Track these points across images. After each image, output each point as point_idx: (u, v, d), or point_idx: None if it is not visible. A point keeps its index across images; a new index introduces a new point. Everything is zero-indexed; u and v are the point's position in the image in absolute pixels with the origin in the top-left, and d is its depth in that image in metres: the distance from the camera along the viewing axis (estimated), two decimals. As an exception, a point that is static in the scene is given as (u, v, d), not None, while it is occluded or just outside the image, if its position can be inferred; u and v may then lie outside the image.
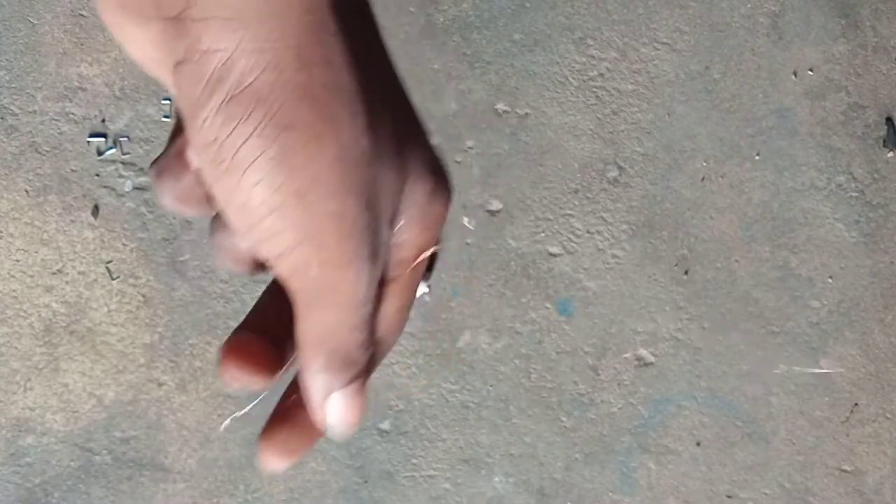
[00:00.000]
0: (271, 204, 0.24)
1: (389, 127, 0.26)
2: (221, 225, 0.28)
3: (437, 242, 0.29)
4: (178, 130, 0.27)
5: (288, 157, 0.24)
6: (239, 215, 0.25)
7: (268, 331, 0.29)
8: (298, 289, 0.26)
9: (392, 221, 0.27)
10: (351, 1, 0.27)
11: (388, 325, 0.29)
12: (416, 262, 0.29)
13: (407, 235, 0.28)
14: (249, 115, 0.23)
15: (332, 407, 0.28)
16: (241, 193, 0.24)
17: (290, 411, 0.30)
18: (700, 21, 1.11)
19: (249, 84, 0.23)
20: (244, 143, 0.24)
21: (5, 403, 1.05)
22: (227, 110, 0.23)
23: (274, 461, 0.30)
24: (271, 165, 0.24)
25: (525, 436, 1.10)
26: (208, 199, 0.27)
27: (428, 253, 0.29)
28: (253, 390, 0.30)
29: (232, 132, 0.24)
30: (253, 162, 0.24)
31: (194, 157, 0.26)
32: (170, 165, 0.27)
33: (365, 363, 0.28)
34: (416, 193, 0.27)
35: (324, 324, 0.27)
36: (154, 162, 0.27)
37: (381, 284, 0.28)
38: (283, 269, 0.26)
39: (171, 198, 0.27)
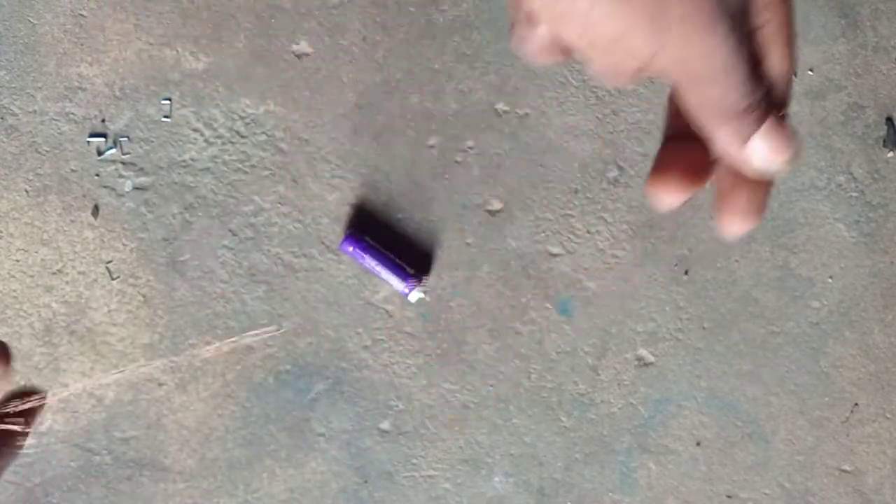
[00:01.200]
0: (623, 23, 0.27)
1: None
2: (526, 21, 0.31)
3: None
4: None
5: None
6: (585, 42, 0.28)
7: (685, 137, 0.33)
8: (674, 79, 0.29)
9: None
10: None
11: (780, 60, 0.31)
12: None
13: None
14: None
15: (757, 151, 0.31)
16: (591, 22, 0.28)
17: (732, 182, 0.33)
18: (700, 21, 1.11)
19: None
20: None
21: (5, 403, 1.05)
22: None
23: (736, 223, 0.33)
24: None
25: (525, 436, 1.10)
26: (560, 48, 0.31)
27: None
28: (686, 197, 0.33)
29: None
30: None
31: (538, 12, 0.29)
32: (522, 27, 0.31)
33: (765, 105, 0.30)
34: None
35: (711, 96, 0.29)
36: (511, 33, 0.31)
37: (753, 35, 0.31)
38: (653, 71, 0.29)
39: (533, 52, 0.31)
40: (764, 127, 0.31)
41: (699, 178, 0.33)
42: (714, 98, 0.30)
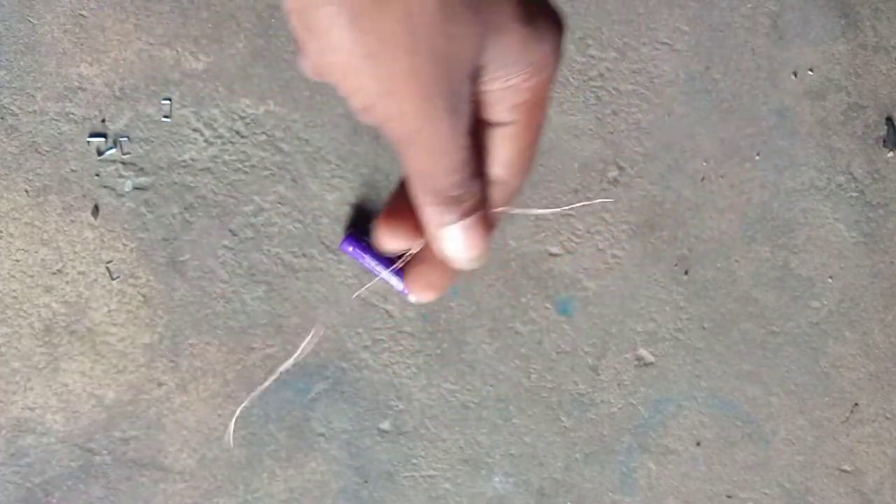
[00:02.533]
0: (350, 65, 0.27)
1: None
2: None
3: (548, 82, 0.30)
4: None
5: (357, 20, 0.26)
6: (328, 71, 0.28)
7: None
8: (390, 136, 0.29)
9: (475, 74, 0.28)
10: None
11: (510, 166, 0.32)
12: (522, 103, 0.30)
13: (512, 82, 0.29)
14: None
15: (449, 239, 0.31)
16: (327, 54, 0.27)
17: (426, 253, 0.33)
18: (700, 21, 1.11)
19: None
20: (319, 10, 0.26)
21: (5, 403, 1.05)
22: None
23: (419, 293, 0.34)
24: (343, 31, 0.26)
25: (525, 436, 1.10)
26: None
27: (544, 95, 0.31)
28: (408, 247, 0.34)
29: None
30: (330, 27, 0.26)
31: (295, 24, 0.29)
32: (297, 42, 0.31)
33: (473, 200, 0.30)
34: (503, 45, 0.28)
35: (420, 166, 0.29)
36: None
37: (483, 129, 0.31)
38: (372, 120, 0.28)
39: (304, 67, 0.30)
40: (465, 222, 0.30)
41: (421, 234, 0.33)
42: (423, 172, 0.29)
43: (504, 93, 0.30)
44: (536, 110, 0.31)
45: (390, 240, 0.33)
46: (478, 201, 0.31)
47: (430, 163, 0.29)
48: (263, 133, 1.07)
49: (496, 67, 0.29)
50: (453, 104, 0.28)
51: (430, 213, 0.30)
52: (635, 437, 1.11)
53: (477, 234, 0.31)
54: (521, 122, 0.31)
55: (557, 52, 0.30)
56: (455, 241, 0.31)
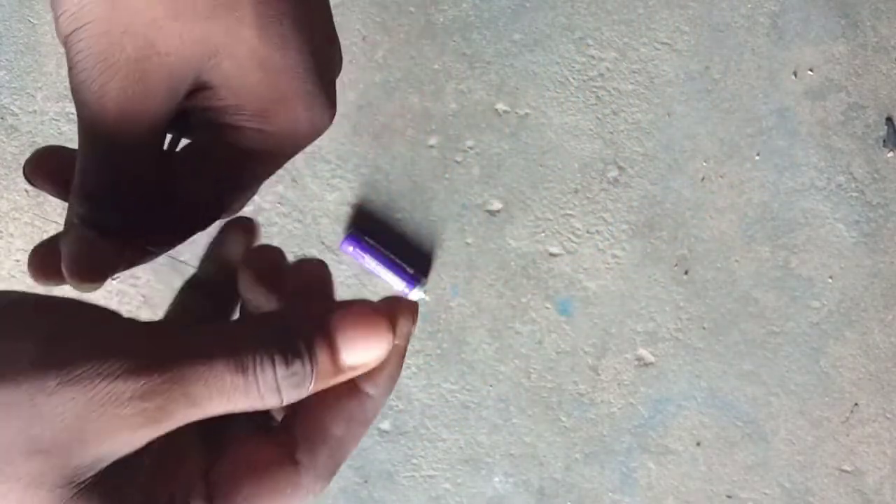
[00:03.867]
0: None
1: None
2: None
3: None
4: None
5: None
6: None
7: None
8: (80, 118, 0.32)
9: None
10: None
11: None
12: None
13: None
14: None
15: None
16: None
17: None
18: (700, 21, 1.11)
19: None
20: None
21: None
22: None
23: None
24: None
25: (525, 436, 1.10)
26: None
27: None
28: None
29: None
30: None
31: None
32: None
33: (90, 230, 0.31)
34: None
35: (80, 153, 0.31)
36: None
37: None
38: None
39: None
40: (81, 236, 0.31)
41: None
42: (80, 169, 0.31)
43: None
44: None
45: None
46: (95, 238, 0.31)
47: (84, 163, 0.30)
48: (263, 133, 1.07)
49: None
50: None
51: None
52: (635, 437, 1.11)
53: (85, 255, 0.31)
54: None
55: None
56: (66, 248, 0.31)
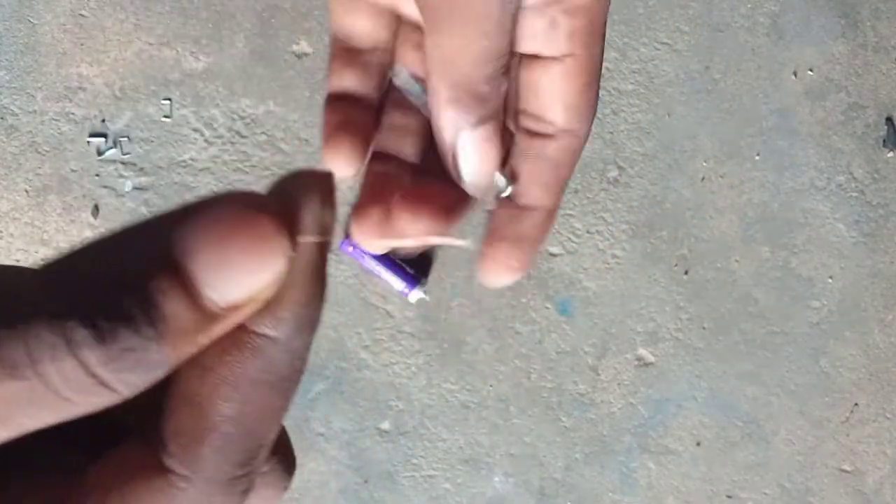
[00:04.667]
0: None
1: None
2: None
3: (608, 4, 0.28)
4: None
5: None
6: None
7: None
8: (425, 6, 0.26)
9: None
10: None
11: (572, 110, 0.28)
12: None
13: (568, 4, 0.27)
14: None
15: (464, 149, 0.27)
16: None
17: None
18: (700, 21, 1.11)
19: None
20: None
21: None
22: None
23: (496, 275, 0.30)
24: None
25: (525, 436, 1.10)
26: None
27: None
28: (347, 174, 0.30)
29: None
30: None
31: None
32: None
33: (495, 105, 0.27)
34: None
35: (449, 47, 0.26)
36: None
37: (529, 70, 0.28)
38: None
39: None
40: (482, 130, 0.27)
41: (367, 145, 0.29)
42: (455, 56, 0.26)
43: (560, 17, 0.27)
44: (595, 40, 0.28)
45: (369, 230, 0.29)
46: (497, 111, 0.28)
47: (463, 43, 0.26)
48: (263, 133, 1.07)
49: None
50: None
51: (447, 116, 0.27)
52: (635, 437, 1.11)
53: (492, 147, 0.28)
54: (579, 55, 0.28)
55: None
56: (469, 151, 0.27)
